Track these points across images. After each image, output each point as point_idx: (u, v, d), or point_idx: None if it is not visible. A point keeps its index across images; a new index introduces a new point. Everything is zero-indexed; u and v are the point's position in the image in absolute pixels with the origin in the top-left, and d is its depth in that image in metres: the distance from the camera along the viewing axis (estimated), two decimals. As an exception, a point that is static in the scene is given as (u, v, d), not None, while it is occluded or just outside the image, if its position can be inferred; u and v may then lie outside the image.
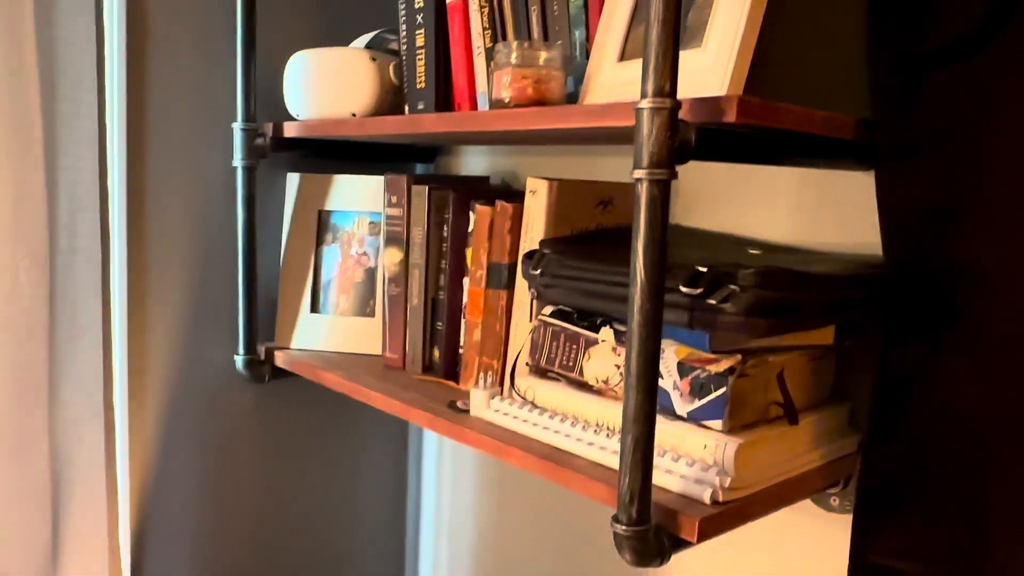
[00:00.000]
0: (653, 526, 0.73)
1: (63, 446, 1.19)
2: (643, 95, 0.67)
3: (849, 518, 0.90)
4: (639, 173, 0.67)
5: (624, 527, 0.72)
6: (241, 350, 1.31)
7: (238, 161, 1.26)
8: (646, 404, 0.71)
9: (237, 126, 1.25)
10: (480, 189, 1.24)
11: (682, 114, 0.69)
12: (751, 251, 0.97)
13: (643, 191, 0.67)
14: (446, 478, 1.59)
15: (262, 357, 1.32)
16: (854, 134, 0.83)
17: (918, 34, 0.82)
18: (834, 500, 0.97)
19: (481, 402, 1.00)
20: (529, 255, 0.97)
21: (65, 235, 1.16)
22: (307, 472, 1.49)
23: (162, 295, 1.27)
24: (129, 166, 1.21)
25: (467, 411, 1.01)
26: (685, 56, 0.74)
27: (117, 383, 1.24)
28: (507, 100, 0.91)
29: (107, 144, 1.19)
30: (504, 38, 1.06)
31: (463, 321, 1.14)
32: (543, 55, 0.92)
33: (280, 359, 1.30)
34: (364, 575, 1.61)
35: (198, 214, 1.29)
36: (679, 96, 0.68)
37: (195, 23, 1.26)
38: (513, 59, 0.91)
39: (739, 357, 0.79)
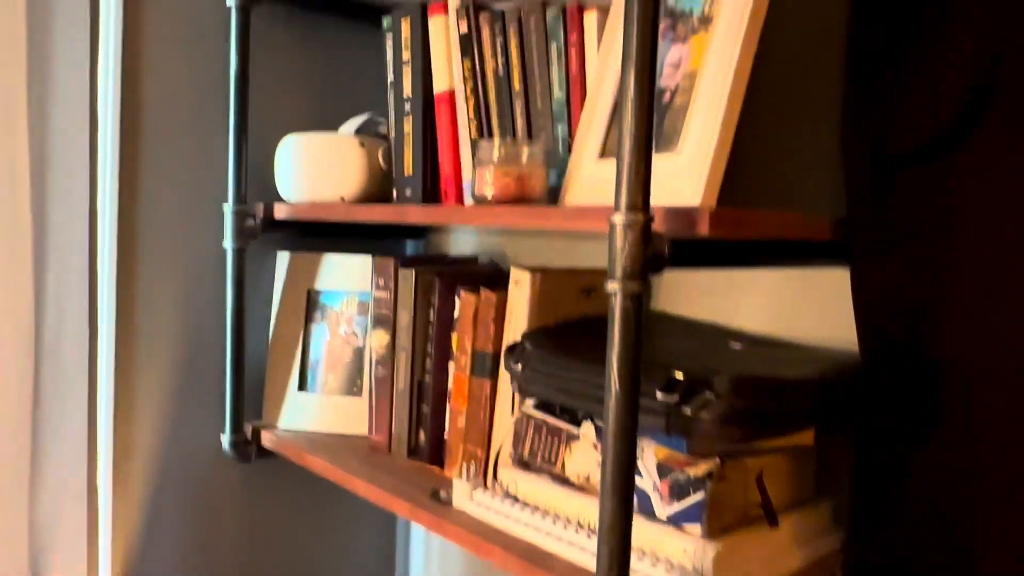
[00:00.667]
0: (631, 637, 0.72)
1: (44, 528, 1.18)
2: (616, 208, 0.68)
3: (833, 619, 0.88)
4: (612, 286, 0.68)
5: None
6: (228, 430, 1.30)
7: (228, 243, 1.27)
8: (621, 513, 0.70)
9: (228, 208, 1.27)
10: (467, 273, 1.25)
11: (655, 225, 0.69)
12: (732, 343, 0.97)
13: (617, 303, 0.68)
14: (433, 564, 1.57)
15: (248, 436, 1.32)
16: (830, 235, 0.84)
17: (890, 136, 0.83)
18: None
19: (464, 494, 0.99)
20: (511, 348, 0.97)
21: (53, 313, 1.17)
22: (293, 554, 1.47)
23: (150, 375, 1.27)
24: (119, 247, 1.22)
25: (450, 502, 1.01)
26: (660, 159, 0.75)
27: (102, 464, 1.23)
28: (489, 197, 0.92)
29: (97, 224, 1.21)
30: (490, 129, 1.08)
31: (448, 406, 1.14)
32: (525, 152, 0.94)
33: (267, 439, 1.29)
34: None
35: (187, 295, 1.30)
36: (655, 201, 0.68)
37: (188, 105, 1.28)
38: (495, 157, 0.93)
39: (717, 460, 0.79)
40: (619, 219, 0.68)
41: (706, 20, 0.83)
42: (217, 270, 1.30)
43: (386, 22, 1.18)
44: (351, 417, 1.30)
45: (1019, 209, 0.77)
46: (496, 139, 0.96)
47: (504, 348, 1.03)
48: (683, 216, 0.71)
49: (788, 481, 0.88)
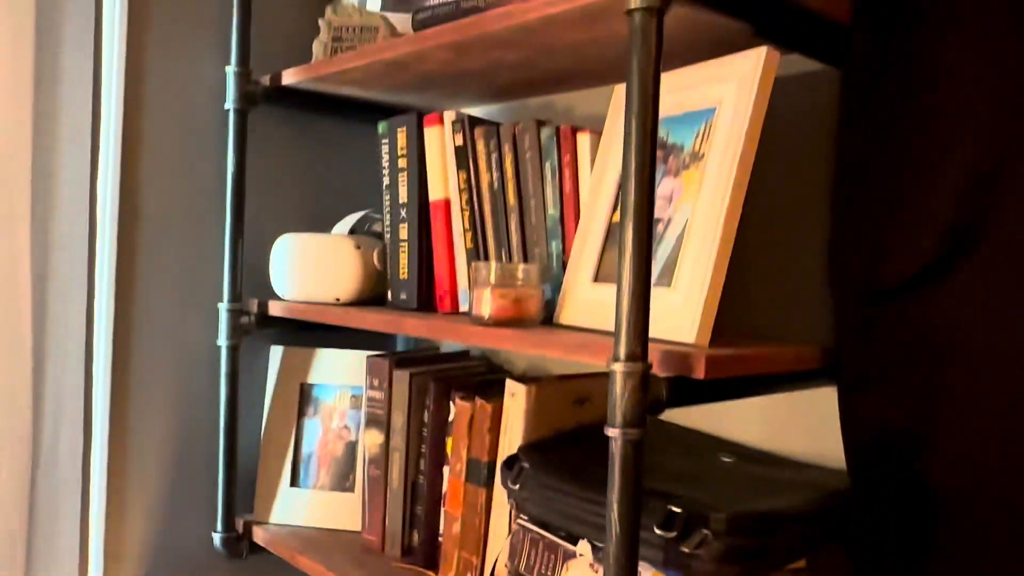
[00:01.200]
0: None
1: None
2: (615, 358, 0.70)
3: None
4: (613, 432, 0.70)
5: None
6: (219, 527, 1.30)
7: (223, 340, 1.28)
8: None
9: (223, 306, 1.28)
10: (461, 376, 1.26)
11: (654, 368, 0.72)
12: (723, 457, 0.99)
13: (617, 448, 0.70)
14: None
15: (240, 532, 1.31)
16: (819, 364, 0.86)
17: (876, 269, 0.86)
18: None
19: None
20: (508, 464, 0.98)
21: (52, 406, 1.17)
22: None
23: (142, 472, 1.27)
24: (115, 344, 1.23)
25: None
26: (656, 294, 0.77)
27: (93, 562, 1.22)
28: (487, 317, 0.94)
29: (94, 321, 1.21)
30: (485, 239, 1.10)
31: (443, 510, 1.14)
32: (520, 272, 0.96)
33: (259, 536, 1.29)
34: None
35: (181, 391, 1.30)
36: (651, 333, 0.71)
37: (185, 205, 1.30)
38: (492, 279, 0.95)
39: None
40: (619, 367, 0.70)
41: (697, 156, 0.86)
42: (211, 366, 1.31)
43: (381, 128, 1.21)
44: (343, 513, 1.30)
45: (1002, 341, 0.80)
46: (492, 262, 0.99)
47: (500, 459, 1.04)
48: (680, 359, 0.73)
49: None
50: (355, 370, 1.33)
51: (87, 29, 1.13)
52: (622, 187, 0.71)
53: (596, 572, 0.90)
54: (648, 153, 0.70)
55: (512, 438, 1.04)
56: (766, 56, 0.81)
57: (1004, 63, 0.79)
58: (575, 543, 0.93)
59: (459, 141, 1.11)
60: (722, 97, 0.85)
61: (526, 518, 0.99)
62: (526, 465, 0.95)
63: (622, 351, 0.70)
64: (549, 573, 0.95)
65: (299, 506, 1.32)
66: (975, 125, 0.80)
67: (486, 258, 1.11)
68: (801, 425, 1.01)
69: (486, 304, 0.94)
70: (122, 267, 1.23)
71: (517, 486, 0.94)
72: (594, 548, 0.91)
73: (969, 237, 0.82)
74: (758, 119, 0.82)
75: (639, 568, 0.81)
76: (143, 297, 1.26)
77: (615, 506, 0.70)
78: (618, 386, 0.70)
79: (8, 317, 1.09)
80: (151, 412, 1.28)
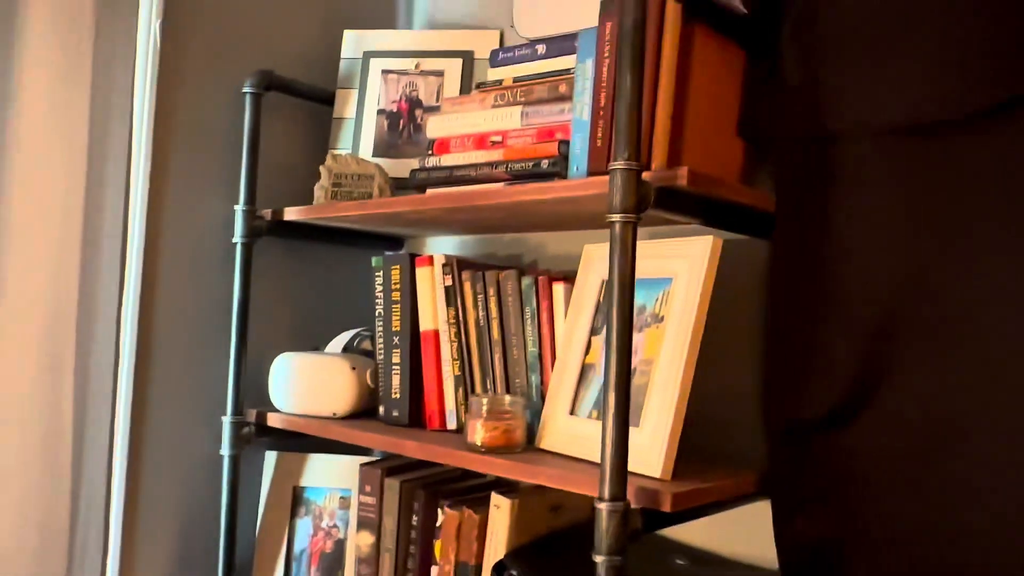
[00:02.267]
0: None
1: None
2: (601, 498, 0.86)
3: None
4: (599, 559, 0.85)
5: None
6: None
7: (225, 450, 1.39)
8: None
9: (227, 419, 1.39)
10: (447, 483, 1.39)
11: (631, 503, 0.88)
12: (678, 560, 1.16)
13: (602, 573, 0.85)
14: None
15: None
16: (755, 489, 1.04)
17: (798, 410, 1.05)
18: None
19: None
20: (497, 571, 1.12)
21: (83, 510, 1.25)
22: None
23: (151, 564, 1.36)
24: (129, 455, 1.33)
25: None
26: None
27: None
28: (480, 445, 1.09)
29: (115, 435, 1.31)
30: (471, 368, 1.26)
31: None
32: (508, 404, 1.11)
33: None
34: None
35: (185, 495, 1.41)
36: None
37: (195, 328, 1.42)
38: (484, 412, 1.10)
39: None
40: (605, 506, 0.85)
41: (658, 318, 1.04)
42: (214, 472, 1.42)
43: (376, 262, 1.35)
44: None
45: (906, 474, 0.98)
46: (484, 397, 1.13)
47: (486, 561, 1.18)
48: (651, 496, 0.90)
49: None
50: (343, 474, 1.45)
51: (120, 172, 1.26)
52: (606, 357, 0.87)
53: None
54: (625, 338, 0.87)
55: (497, 544, 1.18)
56: (713, 243, 1.00)
57: (895, 251, 0.99)
58: None
59: (448, 282, 1.27)
60: (677, 271, 1.04)
61: None
62: (514, 573, 1.09)
63: (607, 492, 0.86)
64: None
65: None
66: (872, 299, 1.00)
67: (472, 385, 1.26)
68: (740, 532, 1.18)
69: (479, 434, 1.10)
70: (138, 384, 1.35)
71: None
72: None
73: (870, 386, 1.01)
74: (708, 291, 1.00)
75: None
76: (155, 409, 1.37)
77: None
78: (604, 522, 0.85)
79: (52, 438, 1.19)
80: (158, 516, 1.38)
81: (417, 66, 1.51)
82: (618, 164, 0.88)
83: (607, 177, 0.90)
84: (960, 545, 0.94)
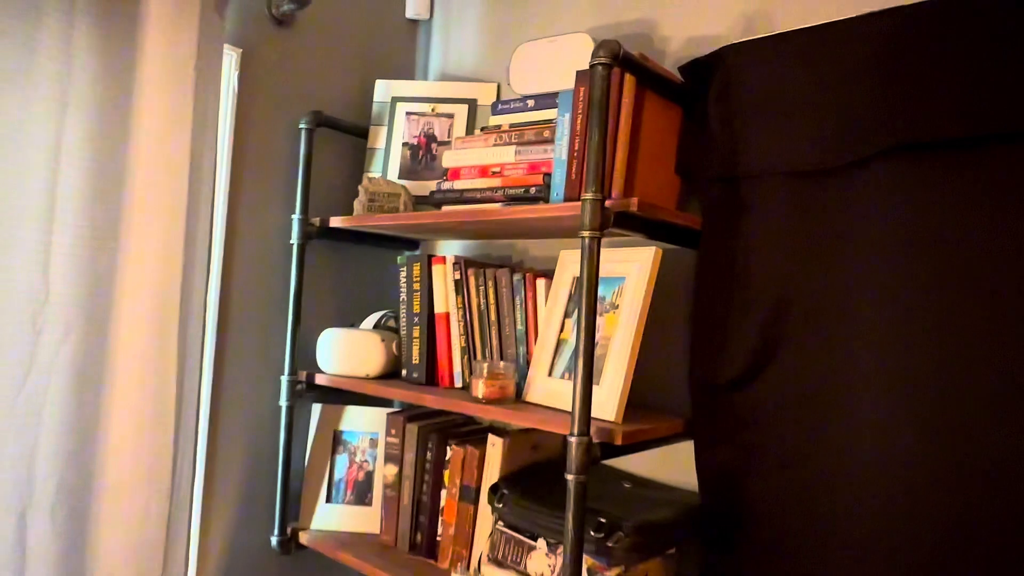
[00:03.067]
0: None
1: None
2: (572, 434, 1.02)
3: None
4: (570, 477, 1.01)
5: None
6: (275, 532, 1.54)
7: (283, 402, 1.53)
8: None
9: (284, 378, 1.54)
10: (453, 427, 1.53)
11: (593, 438, 1.04)
12: (625, 484, 1.32)
13: (571, 487, 1.01)
14: None
15: (289, 536, 1.55)
16: (683, 430, 1.21)
17: (713, 375, 1.21)
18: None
19: None
20: (493, 489, 1.28)
21: (181, 446, 1.37)
22: None
23: (225, 493, 1.49)
24: (212, 404, 1.45)
25: None
26: (590, 392, 1.10)
27: (191, 560, 1.44)
28: (481, 398, 1.25)
29: (201, 387, 1.44)
30: (473, 341, 1.40)
31: (440, 519, 1.43)
32: (502, 368, 1.27)
33: (303, 538, 1.53)
34: None
35: (253, 437, 1.54)
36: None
37: (262, 309, 1.54)
38: (484, 373, 1.26)
39: (622, 568, 1.12)
40: (574, 440, 1.02)
41: (614, 305, 1.20)
42: (274, 419, 1.56)
43: (400, 260, 1.50)
44: (363, 521, 1.56)
45: (787, 423, 1.14)
46: (484, 362, 1.28)
47: (483, 485, 1.34)
48: (607, 433, 1.06)
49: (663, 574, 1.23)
50: (373, 421, 1.60)
51: (208, 190, 1.36)
52: (576, 334, 1.03)
53: (548, 559, 1.21)
54: (591, 321, 1.03)
55: (492, 471, 1.34)
56: (655, 252, 1.17)
57: (784, 260, 1.15)
58: (535, 540, 1.24)
59: (456, 276, 1.42)
60: (629, 272, 1.20)
61: (503, 524, 1.29)
62: (506, 491, 1.25)
63: (575, 430, 1.02)
64: (517, 560, 1.25)
65: (332, 516, 1.57)
66: (771, 285, 1.15)
67: (474, 353, 1.41)
68: (670, 463, 1.35)
69: (480, 390, 1.25)
70: (219, 351, 1.47)
71: (500, 504, 1.24)
72: (548, 544, 1.22)
73: (765, 357, 1.17)
74: (651, 287, 1.16)
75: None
76: (231, 370, 1.50)
77: (570, 519, 1.02)
78: (573, 450, 1.02)
79: (161, 393, 1.32)
80: (232, 451, 1.51)
81: (433, 109, 1.64)
82: (588, 195, 1.04)
83: (579, 203, 1.05)
84: (828, 472, 1.08)
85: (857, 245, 1.07)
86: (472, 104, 1.62)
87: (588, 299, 1.03)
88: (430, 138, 1.62)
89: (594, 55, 1.06)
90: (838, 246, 1.09)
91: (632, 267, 1.20)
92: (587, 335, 1.02)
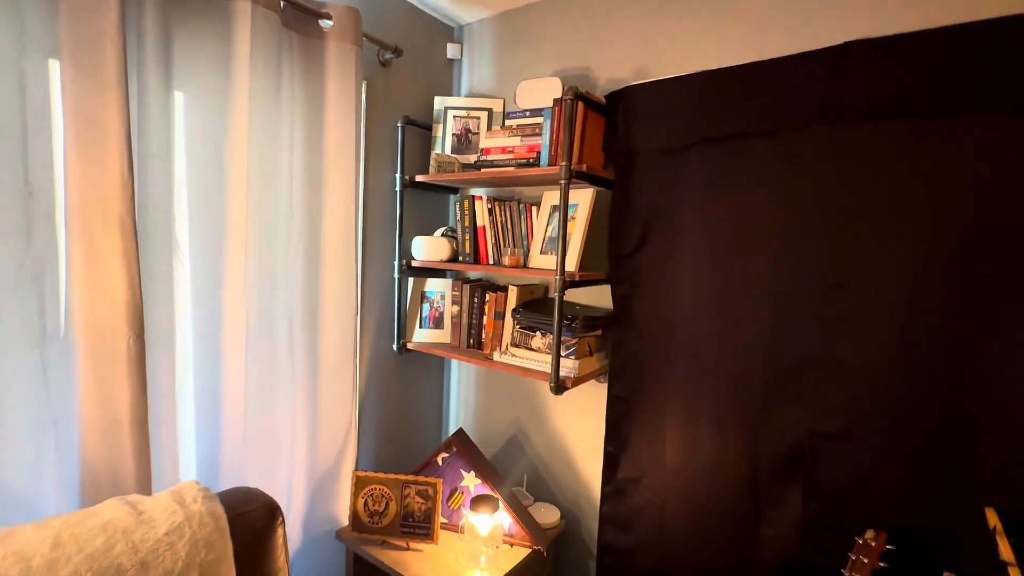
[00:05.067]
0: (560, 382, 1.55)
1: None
2: (558, 274, 1.50)
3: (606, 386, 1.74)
4: (554, 294, 1.50)
5: (554, 384, 1.55)
6: (395, 344, 1.97)
7: (395, 275, 1.93)
8: (556, 355, 1.53)
9: (395, 262, 1.93)
10: (489, 286, 1.93)
11: (568, 277, 1.53)
12: (577, 306, 1.83)
13: (557, 301, 1.51)
14: (463, 383, 2.15)
15: (402, 344, 2.00)
16: (607, 276, 1.70)
17: (619, 249, 1.67)
18: (602, 379, 1.83)
19: (498, 356, 1.79)
20: (515, 311, 1.76)
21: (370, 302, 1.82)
22: (410, 386, 2.11)
23: (368, 322, 1.87)
24: (360, 284, 1.84)
25: (491, 358, 1.80)
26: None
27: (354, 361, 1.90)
28: (506, 263, 1.71)
29: (357, 275, 1.82)
30: (498, 239, 1.81)
31: (484, 330, 1.90)
32: (517, 251, 1.73)
33: (410, 345, 1.97)
34: (425, 429, 2.25)
35: (381, 294, 1.91)
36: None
37: (382, 225, 1.87)
38: (507, 257, 1.70)
39: (579, 339, 1.64)
40: (557, 280, 1.51)
41: (573, 218, 1.66)
42: (391, 286, 1.94)
43: (453, 198, 1.90)
44: (439, 336, 1.98)
45: (656, 278, 1.59)
46: (508, 248, 1.72)
47: (507, 310, 1.82)
48: (571, 275, 1.53)
49: (595, 345, 1.75)
50: (445, 286, 1.98)
51: (357, 163, 1.76)
52: (557, 231, 1.50)
53: (543, 340, 1.72)
54: (564, 223, 1.50)
55: (510, 304, 1.79)
56: (593, 191, 1.61)
57: (653, 198, 1.59)
58: (534, 332, 1.74)
59: (489, 206, 1.80)
60: (580, 201, 1.63)
61: (519, 326, 1.78)
62: (519, 313, 1.74)
63: (558, 271, 1.50)
64: (528, 343, 1.75)
65: (423, 335, 2.00)
66: (646, 207, 1.60)
67: (499, 246, 1.85)
68: (601, 295, 1.82)
69: (507, 259, 1.72)
70: (365, 251, 1.83)
71: (518, 315, 1.73)
72: (541, 333, 1.72)
73: (642, 243, 1.64)
74: (591, 208, 1.60)
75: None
76: (369, 261, 1.85)
77: (556, 316, 1.52)
78: (557, 283, 1.50)
79: (347, 268, 1.70)
80: (373, 301, 1.86)
81: (467, 114, 1.94)
82: (562, 163, 1.48)
83: (557, 167, 1.48)
84: (671, 300, 1.50)
85: (684, 186, 1.48)
86: (490, 112, 1.94)
87: (562, 215, 1.49)
88: (467, 130, 1.90)
89: (565, 92, 1.48)
90: (676, 186, 1.53)
91: (582, 198, 1.64)
92: (562, 231, 1.50)
